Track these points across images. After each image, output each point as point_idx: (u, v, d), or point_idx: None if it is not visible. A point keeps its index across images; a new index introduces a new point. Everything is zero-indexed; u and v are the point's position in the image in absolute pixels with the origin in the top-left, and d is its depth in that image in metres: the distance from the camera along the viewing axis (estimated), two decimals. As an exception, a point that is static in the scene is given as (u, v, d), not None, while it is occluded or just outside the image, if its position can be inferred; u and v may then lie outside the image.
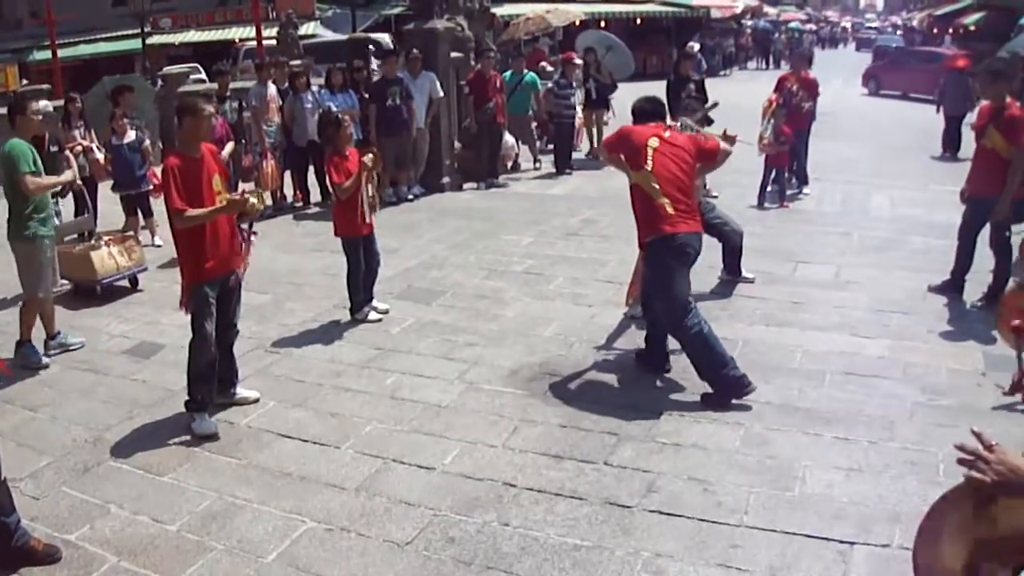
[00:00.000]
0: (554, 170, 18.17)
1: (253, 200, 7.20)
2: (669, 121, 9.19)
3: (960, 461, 2.88)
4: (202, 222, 6.87)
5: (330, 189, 8.71)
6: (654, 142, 7.54)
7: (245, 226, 7.64)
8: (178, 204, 6.73)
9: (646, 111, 8.05)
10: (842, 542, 5.26)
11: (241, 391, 7.60)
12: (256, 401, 7.53)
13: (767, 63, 51.90)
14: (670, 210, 7.33)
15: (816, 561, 5.10)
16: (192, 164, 6.91)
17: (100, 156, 12.49)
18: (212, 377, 7.25)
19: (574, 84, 18.63)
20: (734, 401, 7.03)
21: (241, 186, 13.69)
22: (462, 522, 5.60)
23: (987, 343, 8.14)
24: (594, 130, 19.54)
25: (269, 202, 7.59)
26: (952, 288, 9.63)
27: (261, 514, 5.76)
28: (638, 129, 7.80)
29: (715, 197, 10.37)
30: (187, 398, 7.17)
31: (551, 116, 18.85)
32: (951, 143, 20.31)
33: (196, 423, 7.02)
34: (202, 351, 7.12)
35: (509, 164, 17.97)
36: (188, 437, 6.86)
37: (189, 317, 7.14)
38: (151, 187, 12.79)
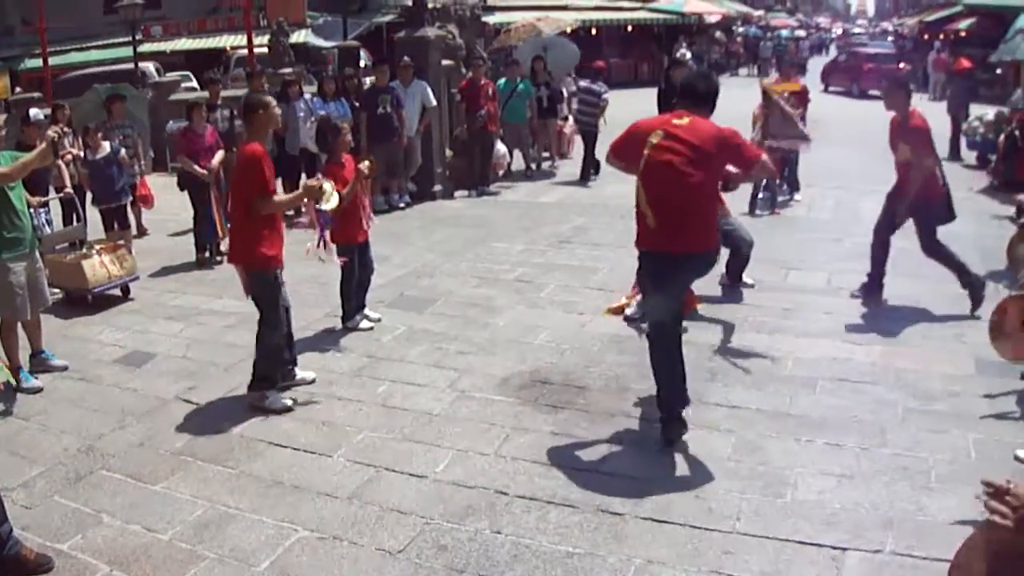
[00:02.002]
0: (579, 177, 18.26)
1: (327, 186, 8.00)
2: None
3: (987, 505, 2.78)
4: (284, 208, 7.64)
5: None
6: (657, 136, 6.40)
7: (325, 209, 8.21)
8: (271, 187, 7.42)
9: (696, 92, 6.71)
10: (834, 548, 5.26)
11: (299, 372, 8.03)
12: (313, 382, 8.01)
13: (758, 70, 51.96)
14: (650, 222, 6.43)
15: (808, 567, 5.11)
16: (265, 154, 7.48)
17: None
18: (281, 356, 7.75)
19: (605, 95, 18.66)
20: (725, 407, 7.03)
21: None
22: (454, 530, 5.60)
23: (979, 348, 8.16)
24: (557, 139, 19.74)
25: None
26: (873, 289, 9.88)
27: (253, 523, 5.75)
28: (647, 121, 6.73)
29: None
30: (255, 380, 7.59)
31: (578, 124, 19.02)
32: (955, 147, 20.31)
33: (270, 400, 7.50)
34: (275, 332, 7.59)
35: (501, 172, 17.99)
36: (180, 445, 6.85)
37: (253, 302, 7.65)
38: (131, 199, 12.80)
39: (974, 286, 9.31)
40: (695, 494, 5.88)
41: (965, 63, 23.49)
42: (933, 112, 26.51)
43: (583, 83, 19.21)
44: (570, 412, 7.24)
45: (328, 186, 8.10)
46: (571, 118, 20.86)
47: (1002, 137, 16.51)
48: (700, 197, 6.35)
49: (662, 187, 6.35)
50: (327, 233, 8.65)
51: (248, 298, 7.74)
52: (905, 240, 11.89)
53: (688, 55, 34.22)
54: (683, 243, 6.36)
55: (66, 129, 12.55)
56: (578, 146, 20.89)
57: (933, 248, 9.57)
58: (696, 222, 6.34)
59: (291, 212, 12.50)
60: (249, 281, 7.61)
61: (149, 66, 29.16)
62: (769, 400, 7.33)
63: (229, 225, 8.03)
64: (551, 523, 5.64)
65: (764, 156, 6.66)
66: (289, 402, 7.55)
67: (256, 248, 7.44)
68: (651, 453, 6.47)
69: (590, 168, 18.18)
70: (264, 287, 7.56)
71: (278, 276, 7.61)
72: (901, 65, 39.21)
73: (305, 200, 8.19)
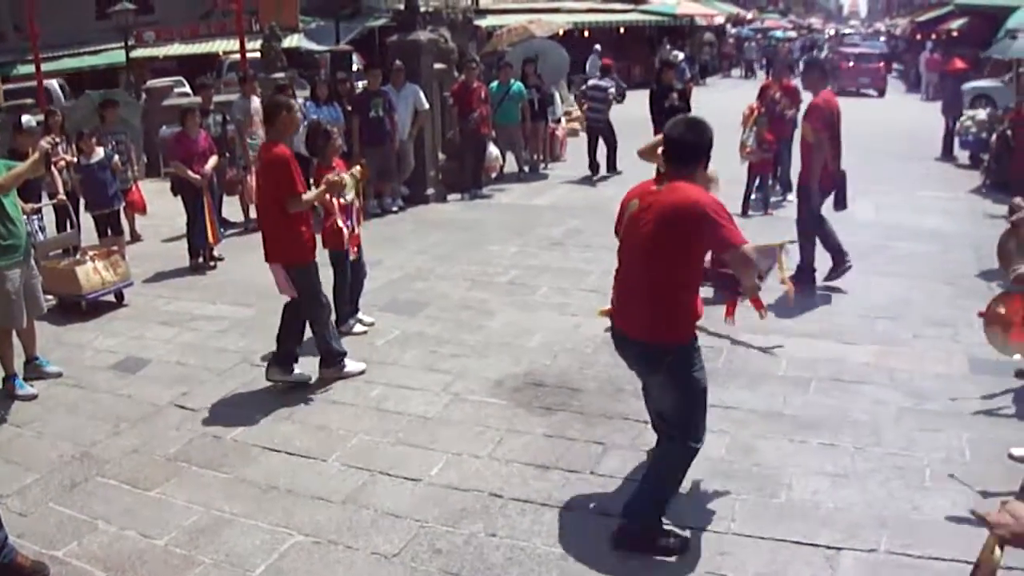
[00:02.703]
0: (590, 174, 18.55)
1: (347, 179, 8.65)
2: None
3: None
4: (311, 204, 8.04)
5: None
6: (634, 204, 5.41)
7: (344, 200, 8.78)
8: (301, 188, 7.79)
9: (683, 147, 5.37)
10: (829, 548, 5.29)
11: (297, 369, 8.23)
12: (309, 380, 8.18)
13: (745, 71, 51.99)
14: (613, 296, 5.69)
15: (804, 567, 5.13)
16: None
17: None
18: (335, 329, 8.38)
19: (611, 90, 18.86)
20: (719, 407, 7.01)
21: (225, 199, 13.72)
22: (449, 533, 5.61)
23: (972, 347, 8.18)
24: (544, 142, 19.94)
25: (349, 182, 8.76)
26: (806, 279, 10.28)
27: (248, 528, 5.76)
28: (633, 189, 5.60)
29: None
30: (325, 358, 8.17)
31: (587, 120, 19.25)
32: (948, 147, 20.39)
33: (348, 367, 8.19)
34: (325, 313, 8.16)
35: (493, 175, 17.99)
36: (174, 451, 6.85)
37: (297, 294, 8.02)
38: (124, 204, 12.79)
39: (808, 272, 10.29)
40: (690, 495, 5.89)
41: (959, 63, 23.51)
42: (926, 112, 26.72)
43: (592, 81, 19.33)
44: (564, 414, 7.25)
45: (348, 179, 8.66)
46: (563, 120, 20.96)
47: (994, 137, 16.54)
48: (664, 277, 5.20)
49: (626, 261, 5.48)
50: (352, 224, 8.99)
51: (287, 294, 8.14)
52: (896, 241, 11.95)
53: (680, 56, 34.18)
54: (633, 325, 5.40)
55: (57, 139, 12.54)
56: (571, 148, 21.00)
57: (809, 226, 10.37)
58: (653, 305, 5.25)
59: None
60: (291, 276, 7.96)
61: (53, 83, 29.14)
62: (763, 400, 7.35)
63: (260, 226, 8.22)
64: (546, 525, 5.65)
65: (747, 247, 5.04)
66: (363, 365, 8.33)
67: (296, 244, 7.86)
68: (645, 455, 6.47)
69: (614, 161, 18.53)
70: (307, 278, 7.98)
71: (317, 268, 8.08)
72: (881, 64, 41.34)
73: (328, 196, 8.53)
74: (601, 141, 18.68)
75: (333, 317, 8.57)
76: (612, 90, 18.83)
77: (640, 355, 5.44)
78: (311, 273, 8.00)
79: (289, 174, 7.66)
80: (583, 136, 22.80)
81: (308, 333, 8.61)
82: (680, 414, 5.35)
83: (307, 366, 8.24)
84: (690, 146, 5.31)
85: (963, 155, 19.45)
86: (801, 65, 12.17)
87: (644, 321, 5.27)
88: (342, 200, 8.74)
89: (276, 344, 8.20)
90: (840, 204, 10.50)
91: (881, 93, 39.68)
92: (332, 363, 8.14)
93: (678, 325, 5.26)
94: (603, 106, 18.55)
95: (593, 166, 18.62)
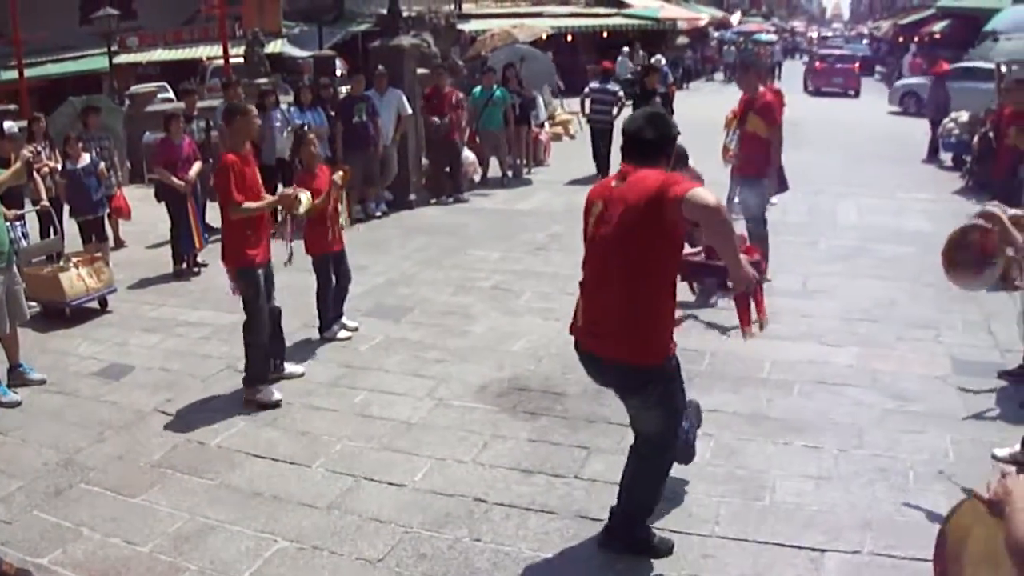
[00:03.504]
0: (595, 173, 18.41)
1: (302, 197, 8.23)
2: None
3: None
4: (256, 213, 7.80)
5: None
6: (598, 207, 4.95)
7: (296, 214, 8.49)
8: (237, 196, 7.58)
9: (641, 142, 4.94)
10: (813, 550, 5.30)
11: (288, 367, 8.34)
12: (302, 375, 8.32)
13: (724, 76, 52.12)
14: (579, 313, 5.27)
15: (788, 569, 5.15)
16: (243, 160, 7.78)
17: None
18: (269, 351, 8.05)
19: (620, 92, 19.01)
20: (703, 410, 7.01)
21: (209, 204, 13.69)
22: (433, 538, 5.60)
23: (955, 348, 8.22)
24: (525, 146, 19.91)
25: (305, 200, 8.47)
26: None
27: (233, 534, 5.74)
28: (594, 188, 5.19)
29: None
30: (246, 379, 7.89)
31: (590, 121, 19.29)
32: (933, 149, 20.50)
33: (262, 393, 7.79)
34: (260, 327, 7.88)
35: (477, 178, 17.97)
36: (158, 457, 6.83)
37: (242, 301, 7.92)
38: (108, 211, 12.76)
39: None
40: (674, 498, 5.89)
41: (945, 65, 23.64)
42: (909, 115, 26.69)
43: (594, 84, 19.34)
44: (548, 419, 7.26)
45: (304, 196, 8.28)
46: (547, 125, 21.01)
47: (976, 138, 16.62)
48: (639, 284, 4.77)
49: (595, 271, 5.06)
50: (293, 244, 8.80)
51: (236, 296, 8.06)
52: (879, 243, 11.98)
53: (663, 60, 34.24)
54: (607, 345, 4.97)
55: (39, 148, 12.48)
56: (555, 153, 21.04)
57: (759, 221, 10.71)
58: (630, 319, 4.83)
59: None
60: (236, 279, 7.94)
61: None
62: (747, 403, 7.37)
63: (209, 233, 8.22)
64: (531, 530, 5.66)
65: (699, 191, 4.46)
66: (279, 396, 7.81)
67: (240, 248, 7.77)
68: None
69: (607, 164, 18.34)
70: (248, 285, 7.84)
71: (260, 276, 7.86)
72: (855, 66, 43.03)
73: (280, 207, 8.52)
74: (602, 142, 18.62)
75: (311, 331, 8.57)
76: (621, 93, 18.87)
77: (617, 378, 5.13)
78: (254, 282, 7.86)
79: (224, 181, 7.61)
80: (568, 141, 22.87)
81: (304, 333, 8.70)
82: (658, 432, 5.17)
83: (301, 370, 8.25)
84: (648, 143, 4.90)
85: (946, 157, 19.55)
86: (737, 67, 12.59)
87: (619, 339, 4.87)
88: (293, 213, 8.50)
89: None
90: (783, 186, 11.32)
91: (856, 93, 40.99)
92: (249, 382, 7.89)
93: (656, 341, 4.90)
94: (608, 108, 18.58)
95: (599, 165, 18.57)
